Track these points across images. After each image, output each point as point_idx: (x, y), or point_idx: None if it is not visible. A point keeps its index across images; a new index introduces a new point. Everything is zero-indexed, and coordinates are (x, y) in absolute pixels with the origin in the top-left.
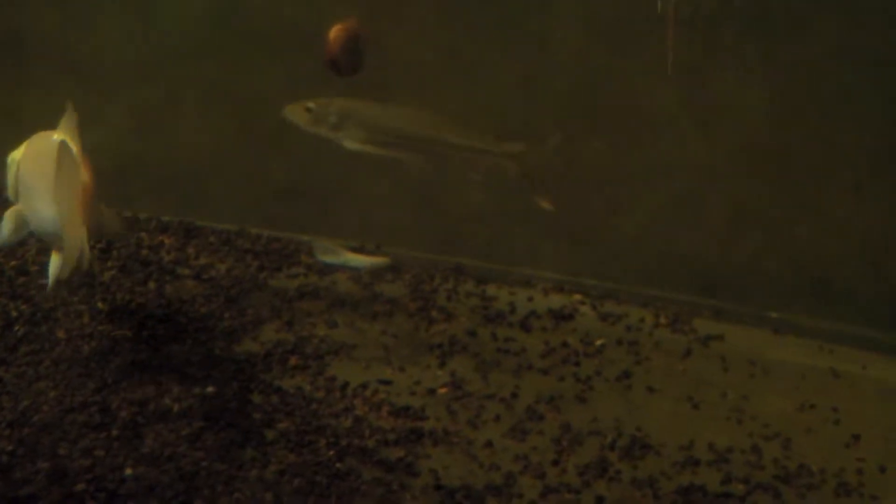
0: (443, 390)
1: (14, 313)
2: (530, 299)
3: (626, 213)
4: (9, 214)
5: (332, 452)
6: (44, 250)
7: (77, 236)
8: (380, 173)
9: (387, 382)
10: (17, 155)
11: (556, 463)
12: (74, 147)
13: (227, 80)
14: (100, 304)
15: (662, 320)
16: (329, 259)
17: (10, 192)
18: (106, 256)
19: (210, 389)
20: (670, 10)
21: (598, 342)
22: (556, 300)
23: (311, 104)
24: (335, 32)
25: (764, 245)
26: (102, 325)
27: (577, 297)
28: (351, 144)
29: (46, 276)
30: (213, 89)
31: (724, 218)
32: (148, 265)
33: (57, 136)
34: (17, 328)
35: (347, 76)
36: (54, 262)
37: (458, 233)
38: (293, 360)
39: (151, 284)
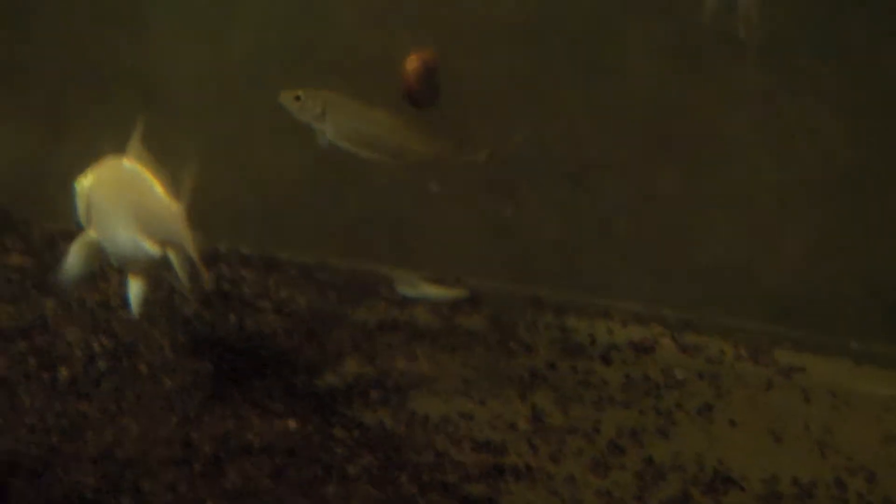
0: (524, 424)
1: (97, 348)
2: (610, 331)
3: (703, 241)
4: (78, 246)
5: (414, 488)
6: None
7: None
8: (455, 203)
9: (468, 416)
10: (86, 181)
11: (638, 498)
12: (145, 165)
13: None
14: (181, 338)
15: (742, 352)
16: (408, 291)
17: (80, 219)
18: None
19: (292, 424)
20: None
21: (679, 375)
22: (636, 332)
23: (300, 93)
24: (412, 64)
25: (842, 273)
26: (184, 359)
27: (657, 328)
28: (332, 137)
29: (129, 306)
30: (288, 120)
31: (801, 245)
32: (229, 298)
33: (127, 161)
34: (99, 363)
35: (425, 107)
36: (135, 287)
37: (535, 262)
38: (374, 394)
39: (232, 318)
